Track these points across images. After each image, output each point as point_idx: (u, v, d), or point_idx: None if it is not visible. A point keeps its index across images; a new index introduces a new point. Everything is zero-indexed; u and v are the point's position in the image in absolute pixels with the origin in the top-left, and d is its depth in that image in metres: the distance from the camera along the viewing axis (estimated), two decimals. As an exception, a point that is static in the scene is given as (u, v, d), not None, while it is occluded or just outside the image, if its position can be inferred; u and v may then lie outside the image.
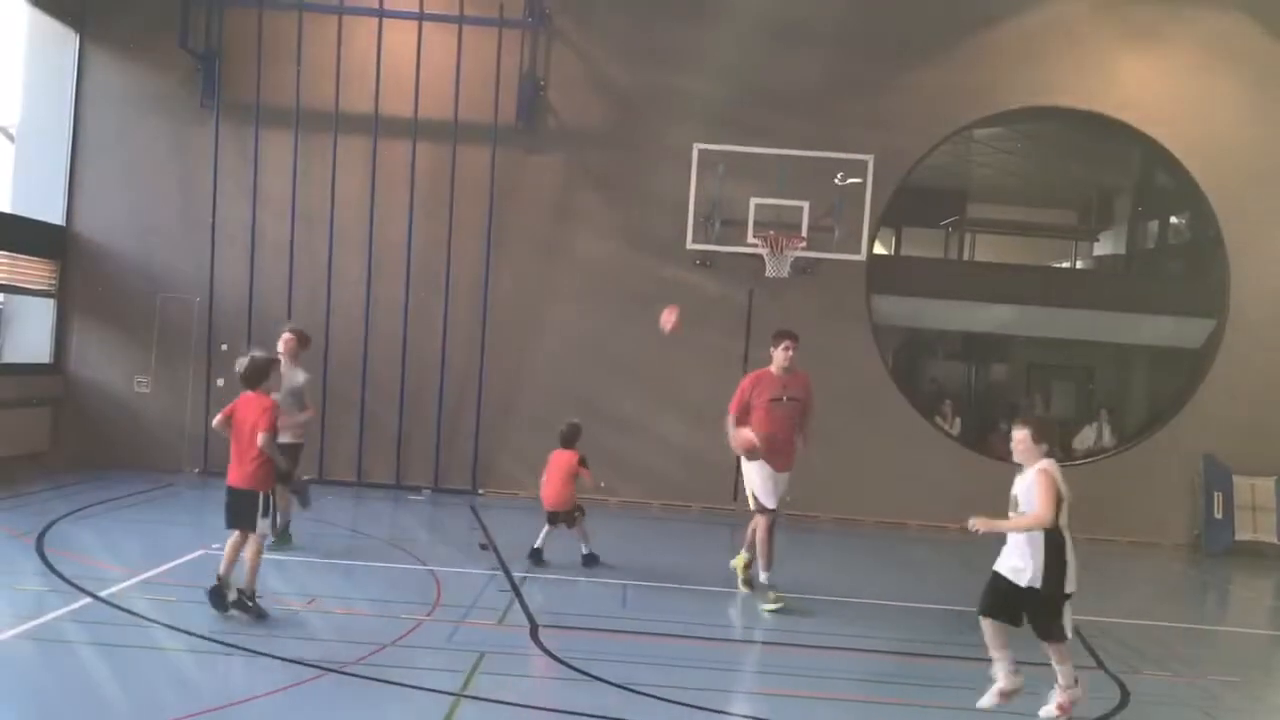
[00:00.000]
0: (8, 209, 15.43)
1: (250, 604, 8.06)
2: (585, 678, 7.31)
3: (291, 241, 15.41)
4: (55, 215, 15.64)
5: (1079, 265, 21.41)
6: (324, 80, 15.32)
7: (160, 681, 6.81)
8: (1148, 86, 15.72)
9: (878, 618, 10.11)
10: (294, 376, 10.52)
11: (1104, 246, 20.90)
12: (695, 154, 14.12)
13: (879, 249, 17.35)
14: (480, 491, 15.44)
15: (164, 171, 15.76)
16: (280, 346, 10.62)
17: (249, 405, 8.24)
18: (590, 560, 10.96)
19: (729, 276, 15.08)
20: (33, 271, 15.47)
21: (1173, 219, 18.91)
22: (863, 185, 14.24)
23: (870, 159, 14.13)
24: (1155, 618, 10.78)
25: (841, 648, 8.81)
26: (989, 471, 15.73)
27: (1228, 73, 15.69)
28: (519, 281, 15.60)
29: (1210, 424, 15.47)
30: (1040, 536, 6.65)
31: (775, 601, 9.45)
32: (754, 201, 14.00)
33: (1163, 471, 15.51)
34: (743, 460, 9.95)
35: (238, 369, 8.48)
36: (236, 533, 8.24)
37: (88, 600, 8.26)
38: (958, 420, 17.09)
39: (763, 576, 9.62)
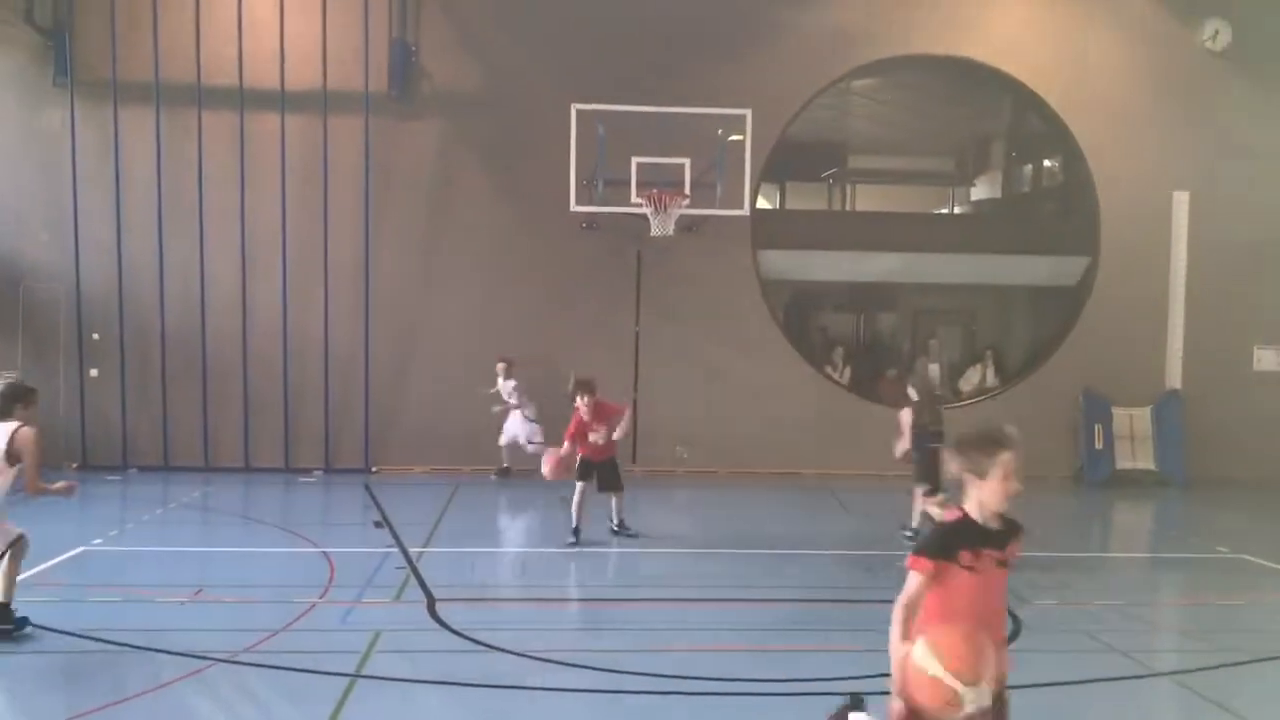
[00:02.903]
0: None
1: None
2: (483, 648, 7.23)
3: (160, 223, 14.82)
4: (-98, 206, 14.81)
5: (957, 211, 21.80)
6: (183, 53, 14.68)
7: (42, 684, 6.54)
8: (1017, 33, 15.98)
9: (778, 567, 10.22)
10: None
11: (980, 191, 21.30)
12: (574, 114, 13.93)
13: (763, 204, 17.43)
14: (374, 470, 15.16)
15: (18, 155, 15.03)
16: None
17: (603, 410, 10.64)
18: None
19: (615, 238, 14.98)
20: (-119, 267, 14.65)
21: (1045, 162, 19.35)
22: (743, 140, 14.23)
23: (748, 113, 14.10)
24: (1042, 549, 11.07)
25: (742, 599, 8.87)
26: (880, 416, 16.06)
27: (1093, 18, 16.03)
28: (401, 253, 15.28)
29: (1088, 358, 15.95)
30: None
31: None
32: (635, 160, 13.87)
33: (1045, 407, 15.93)
34: None
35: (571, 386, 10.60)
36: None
37: (-43, 607, 7.84)
38: (848, 369, 17.33)
39: None
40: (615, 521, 10.98)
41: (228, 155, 14.85)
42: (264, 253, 14.95)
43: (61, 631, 7.44)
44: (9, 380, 7.88)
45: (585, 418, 10.40)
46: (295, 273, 15.00)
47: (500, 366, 14.69)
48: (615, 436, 10.58)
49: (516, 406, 14.65)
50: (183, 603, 8.26)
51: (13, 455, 7.23)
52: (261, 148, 14.87)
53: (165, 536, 11.21)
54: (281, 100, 14.81)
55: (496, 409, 14.66)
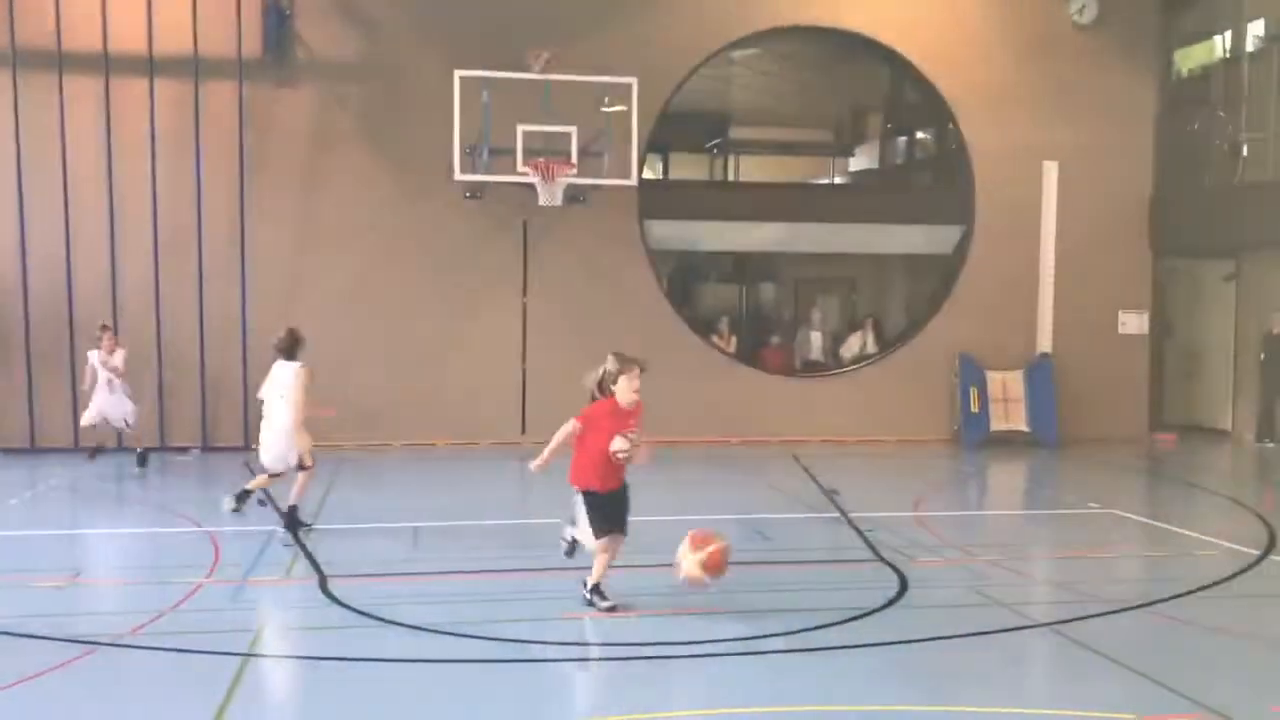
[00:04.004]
0: None
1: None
2: (378, 623, 7.12)
3: (20, 195, 14.14)
4: None
5: (837, 181, 22.18)
6: (41, 14, 14.01)
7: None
8: (894, 5, 16.26)
9: (678, 533, 10.29)
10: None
11: (859, 162, 21.72)
12: (457, 81, 13.70)
13: (649, 174, 17.44)
14: (253, 447, 14.71)
15: None
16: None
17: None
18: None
19: (501, 208, 14.82)
20: None
21: (921, 133, 19.81)
22: (628, 109, 14.20)
23: (634, 82, 14.08)
24: (924, 509, 11.43)
25: (636, 565, 8.90)
26: (764, 385, 16.33)
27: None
28: (279, 225, 14.86)
29: (963, 324, 16.43)
30: None
31: None
32: (521, 128, 13.74)
33: (923, 372, 16.40)
34: None
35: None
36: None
37: None
38: (733, 338, 17.52)
39: None
40: (588, 586, 7.43)
41: (92, 124, 14.25)
42: (134, 225, 14.42)
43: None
44: (290, 328, 9.82)
45: (622, 405, 7.30)
46: (167, 246, 14.51)
47: (106, 335, 12.93)
48: (641, 458, 7.44)
49: (117, 378, 12.89)
50: (59, 587, 7.93)
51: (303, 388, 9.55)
52: (129, 116, 14.31)
53: (35, 520, 10.75)
54: (150, 65, 14.24)
55: (93, 378, 12.79)
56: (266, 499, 11.25)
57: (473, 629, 6.95)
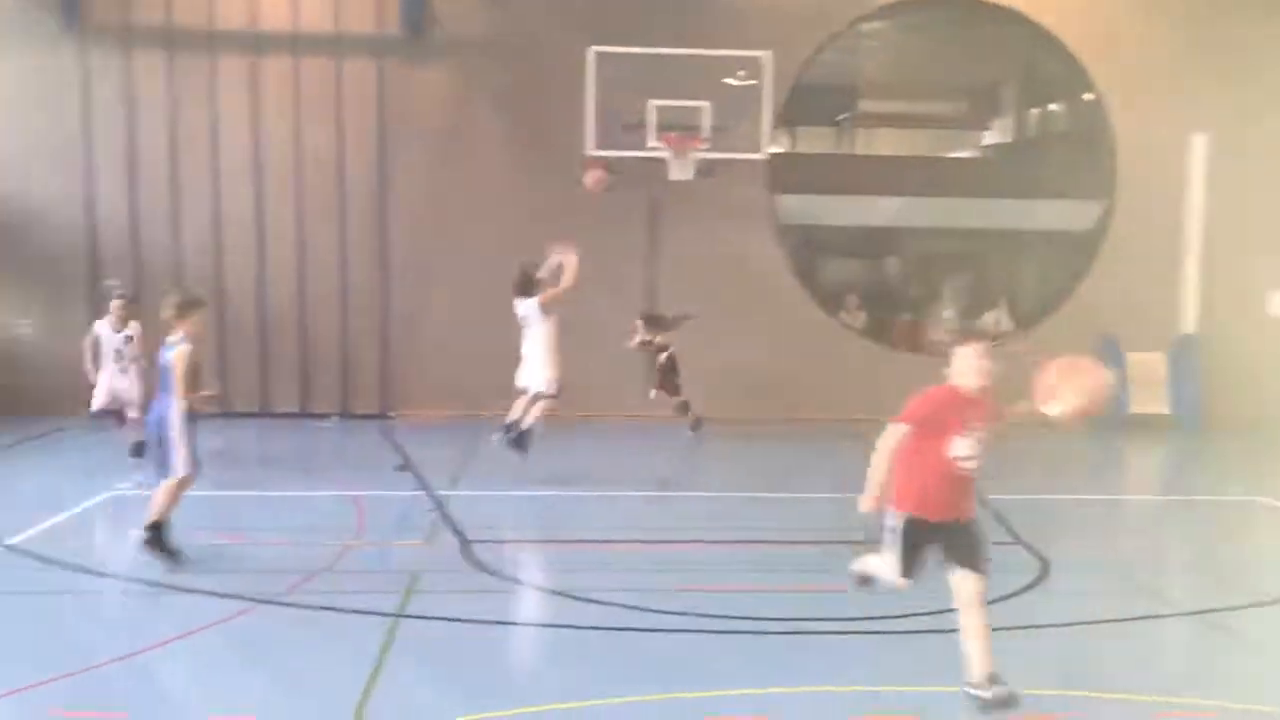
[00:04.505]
0: None
1: None
2: (523, 587, 7.30)
3: (174, 168, 14.76)
4: (-87, 153, 14.71)
5: (969, 155, 21.71)
6: (195, -4, 14.61)
7: (90, 624, 6.63)
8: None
9: (800, 509, 10.29)
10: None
11: (994, 135, 21.20)
12: (591, 57, 13.80)
13: (777, 148, 17.31)
14: (391, 415, 15.20)
15: (28, 102, 14.81)
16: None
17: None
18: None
19: (632, 182, 14.87)
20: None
21: (1060, 105, 19.23)
22: (760, 83, 14.11)
23: (768, 54, 13.97)
24: (1063, 491, 11.19)
25: (769, 540, 8.94)
26: (895, 361, 16.10)
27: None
28: (417, 197, 15.19)
29: (1102, 304, 15.91)
30: None
31: None
32: (653, 104, 13.78)
33: (1060, 352, 15.91)
34: None
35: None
36: None
37: (-6, 550, 7.94)
38: (862, 314, 17.33)
39: None
40: (980, 678, 5.38)
41: (241, 98, 14.75)
42: (278, 197, 14.91)
43: (100, 574, 7.51)
44: (520, 264, 10.90)
45: (965, 392, 5.61)
46: (310, 219, 14.98)
47: (117, 304, 11.39)
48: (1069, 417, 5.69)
49: (133, 360, 11.31)
50: (219, 544, 8.31)
51: None
52: (275, 90, 14.78)
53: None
54: (295, 43, 14.70)
55: (95, 351, 11.28)
56: (407, 463, 11.61)
57: (606, 596, 7.07)
